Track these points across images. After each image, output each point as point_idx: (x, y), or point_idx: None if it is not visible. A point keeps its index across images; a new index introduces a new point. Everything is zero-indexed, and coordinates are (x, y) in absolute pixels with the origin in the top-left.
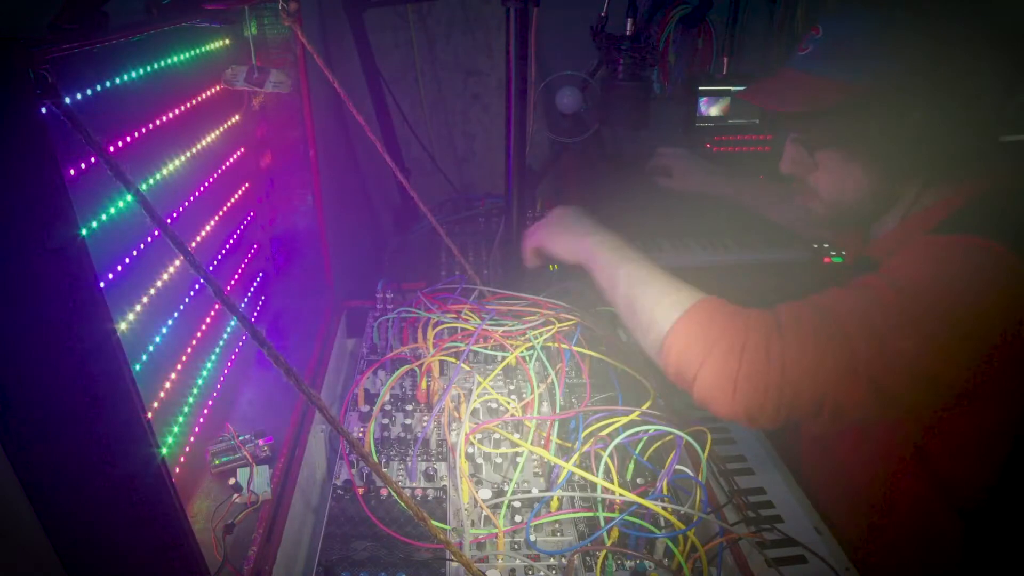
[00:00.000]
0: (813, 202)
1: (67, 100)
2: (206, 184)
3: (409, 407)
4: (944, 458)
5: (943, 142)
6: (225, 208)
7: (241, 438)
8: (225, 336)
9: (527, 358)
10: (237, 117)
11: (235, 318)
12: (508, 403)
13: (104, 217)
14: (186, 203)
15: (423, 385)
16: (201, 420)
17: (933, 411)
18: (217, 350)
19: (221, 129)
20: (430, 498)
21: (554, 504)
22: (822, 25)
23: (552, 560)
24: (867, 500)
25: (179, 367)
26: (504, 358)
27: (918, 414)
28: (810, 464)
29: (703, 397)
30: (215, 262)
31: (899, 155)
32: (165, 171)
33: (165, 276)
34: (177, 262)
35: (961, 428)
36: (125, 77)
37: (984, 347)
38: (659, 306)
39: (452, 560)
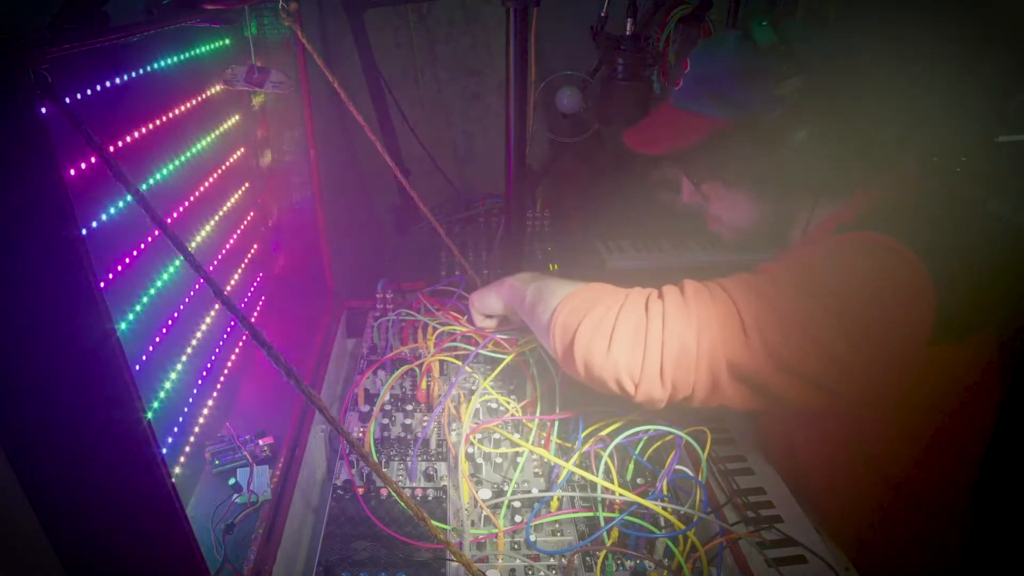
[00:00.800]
0: (718, 228)
1: (67, 100)
2: (206, 184)
3: (409, 407)
4: (898, 471)
5: (826, 162)
6: (225, 208)
7: (241, 438)
8: (225, 336)
9: (527, 358)
10: (237, 117)
11: (235, 318)
12: (508, 403)
13: (104, 217)
14: (186, 203)
15: (423, 385)
16: (201, 420)
17: (862, 399)
18: (217, 350)
19: (221, 129)
20: (430, 498)
21: (554, 504)
22: (691, 60)
23: (552, 560)
24: (825, 496)
25: (179, 367)
26: (504, 358)
27: (841, 409)
28: (776, 459)
29: (582, 356)
30: (215, 262)
31: (780, 178)
32: (165, 171)
33: (165, 276)
34: (177, 262)
35: (902, 440)
36: (125, 77)
37: (879, 344)
38: (552, 296)
39: (452, 560)
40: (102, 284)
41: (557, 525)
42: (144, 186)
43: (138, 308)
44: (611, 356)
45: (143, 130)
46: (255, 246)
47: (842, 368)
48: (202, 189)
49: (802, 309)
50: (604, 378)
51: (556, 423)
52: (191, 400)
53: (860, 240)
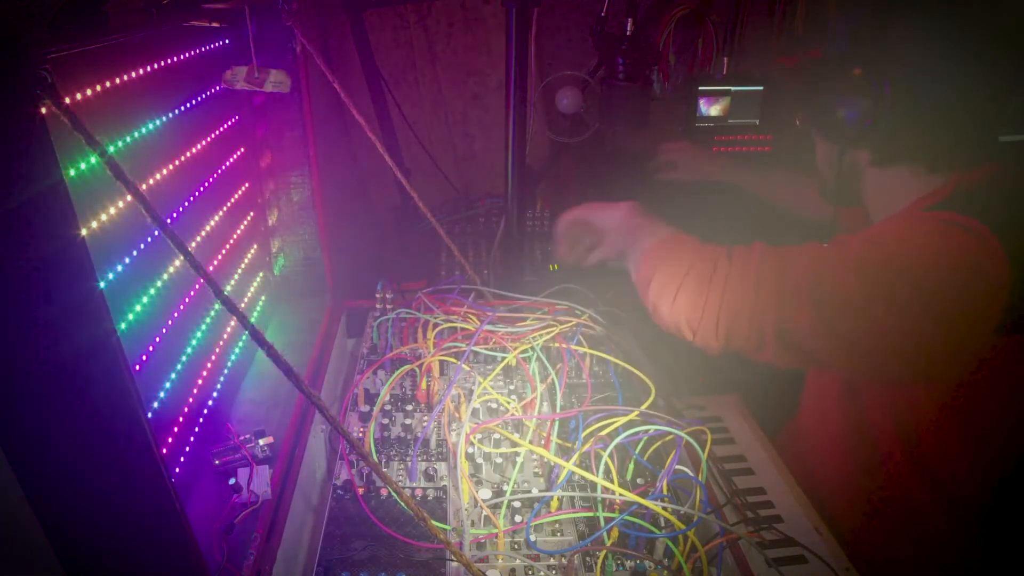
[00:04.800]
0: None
1: (67, 100)
2: (206, 184)
3: (409, 407)
4: (934, 453)
5: (949, 129)
6: (225, 208)
7: (241, 438)
8: (225, 336)
9: (527, 358)
10: (237, 117)
11: (235, 318)
12: (508, 403)
13: (104, 217)
14: (186, 203)
15: (423, 385)
16: (201, 420)
17: (902, 379)
18: (217, 350)
19: (221, 129)
20: (430, 498)
21: (554, 504)
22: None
23: (552, 560)
24: (850, 490)
25: (179, 367)
26: (504, 358)
27: (889, 380)
28: (792, 456)
29: (653, 303)
30: (215, 262)
31: (905, 138)
32: (165, 171)
33: (165, 276)
34: (177, 262)
35: (945, 420)
36: (125, 77)
37: (942, 325)
38: (641, 241)
39: (452, 560)
40: (102, 284)
41: (557, 525)
42: (144, 186)
43: (138, 308)
44: (675, 307)
45: (143, 130)
46: (255, 246)
47: (896, 345)
48: (202, 189)
49: (864, 285)
50: (668, 324)
51: (556, 423)
52: (191, 400)
53: (939, 218)
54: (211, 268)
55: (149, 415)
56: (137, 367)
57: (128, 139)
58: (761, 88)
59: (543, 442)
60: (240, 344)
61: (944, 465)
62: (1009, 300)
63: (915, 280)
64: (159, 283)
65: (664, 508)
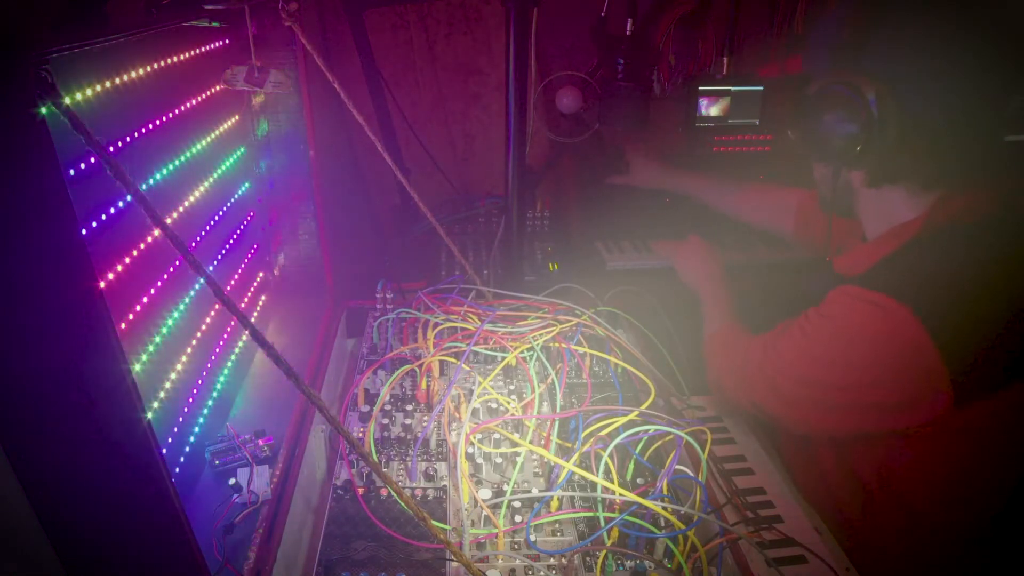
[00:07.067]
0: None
1: (67, 100)
2: (206, 184)
3: (409, 407)
4: (914, 492)
5: (943, 143)
6: (225, 208)
7: (241, 438)
8: (225, 336)
9: (527, 358)
10: (237, 117)
11: (235, 318)
12: (508, 403)
13: (104, 217)
14: (186, 203)
15: (423, 385)
16: (201, 420)
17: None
18: (217, 350)
19: (221, 129)
20: (430, 498)
21: (554, 504)
22: None
23: (552, 560)
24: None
25: (179, 367)
26: (504, 358)
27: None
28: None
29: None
30: (215, 262)
31: (898, 160)
32: (165, 171)
33: (165, 276)
34: (177, 262)
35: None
36: (125, 77)
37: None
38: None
39: (452, 560)
40: (102, 284)
41: (557, 525)
42: (144, 186)
43: (138, 308)
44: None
45: (143, 130)
46: (255, 246)
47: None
48: (202, 189)
49: (814, 371)
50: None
51: (556, 423)
52: (191, 400)
53: (853, 297)
54: (211, 268)
55: (149, 415)
56: (137, 367)
57: (128, 139)
58: (761, 88)
59: (543, 442)
60: (240, 344)
61: (926, 505)
62: (947, 366)
63: (849, 366)
64: (159, 283)
65: (664, 508)
